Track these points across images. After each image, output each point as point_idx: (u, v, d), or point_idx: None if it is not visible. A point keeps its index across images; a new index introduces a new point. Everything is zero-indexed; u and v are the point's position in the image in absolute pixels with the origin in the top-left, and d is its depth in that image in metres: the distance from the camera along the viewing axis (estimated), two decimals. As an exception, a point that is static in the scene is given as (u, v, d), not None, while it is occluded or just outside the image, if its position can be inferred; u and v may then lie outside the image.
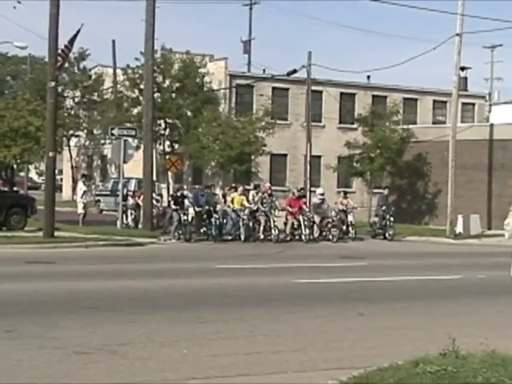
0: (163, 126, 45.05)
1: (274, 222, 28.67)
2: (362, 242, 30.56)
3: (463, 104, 49.53)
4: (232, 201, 29.20)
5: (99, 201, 46.14)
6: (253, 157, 40.56)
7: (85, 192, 31.54)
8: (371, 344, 10.44)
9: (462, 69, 42.50)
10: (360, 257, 23.80)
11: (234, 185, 31.19)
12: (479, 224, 35.29)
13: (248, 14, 60.85)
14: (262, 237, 28.82)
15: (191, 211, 29.26)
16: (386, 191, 33.65)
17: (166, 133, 45.34)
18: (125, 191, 31.68)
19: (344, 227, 30.93)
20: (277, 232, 28.50)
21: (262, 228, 28.95)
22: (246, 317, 12.17)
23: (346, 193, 32.86)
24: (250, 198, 30.20)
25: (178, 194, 28.63)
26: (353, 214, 31.18)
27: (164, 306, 13.12)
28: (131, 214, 31.29)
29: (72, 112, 57.06)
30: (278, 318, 12.27)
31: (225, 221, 29.19)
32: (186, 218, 28.00)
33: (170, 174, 44.91)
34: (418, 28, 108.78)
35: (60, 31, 24.87)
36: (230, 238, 28.72)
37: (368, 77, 48.81)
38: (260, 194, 29.74)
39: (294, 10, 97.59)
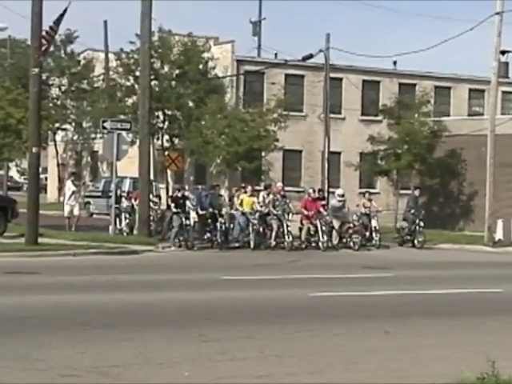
0: (161, 118, 45.17)
1: (287, 227, 28.69)
2: (387, 250, 30.55)
3: (503, 93, 49.45)
4: (241, 203, 29.22)
5: (89, 203, 46.28)
6: (263, 153, 40.60)
7: (74, 192, 31.65)
8: (397, 365, 10.45)
9: (503, 53, 42.39)
10: (385, 267, 23.80)
11: (243, 185, 31.26)
12: (522, 230, 35.18)
13: (258, -9, 60.73)
14: (273, 244, 28.85)
15: (193, 215, 29.28)
16: (416, 192, 33.56)
17: (165, 126, 45.45)
18: (118, 192, 31.75)
19: (367, 233, 30.93)
20: (291, 239, 28.53)
21: (273, 234, 28.98)
22: (255, 335, 12.20)
23: (369, 194, 32.85)
24: (260, 199, 30.19)
25: (179, 194, 28.71)
26: (377, 218, 31.18)
27: (163, 322, 13.17)
28: (125, 217, 31.37)
29: (58, 102, 57.20)
30: (292, 336, 12.29)
31: (232, 226, 29.23)
32: (187, 222, 28.06)
33: (169, 172, 44.99)
34: (452, 6, 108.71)
35: (44, 10, 24.94)
36: (237, 245, 28.77)
37: (394, 62, 48.79)
38: (272, 196, 29.75)
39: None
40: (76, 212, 31.52)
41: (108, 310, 14.26)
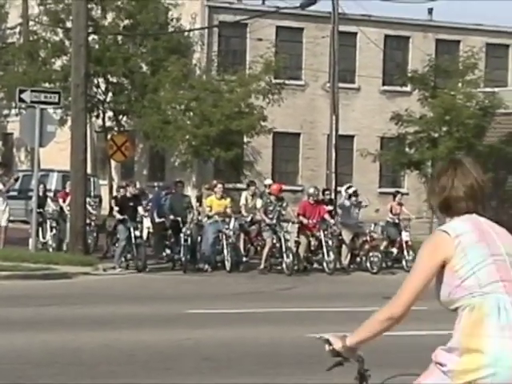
0: (103, 87, 45.05)
1: (286, 241, 28.54)
2: (419, 273, 30.54)
3: None
4: (210, 208, 29.20)
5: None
6: (245, 138, 40.58)
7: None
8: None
9: None
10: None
11: (214, 182, 31.29)
12: None
13: None
14: (263, 266, 28.70)
15: (147, 224, 29.23)
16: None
17: (108, 99, 45.35)
18: (41, 191, 31.66)
19: (394, 249, 30.71)
20: (291, 258, 28.33)
21: (265, 252, 28.85)
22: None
23: (401, 195, 32.66)
24: (242, 202, 30.18)
25: (127, 194, 28.61)
26: (409, 229, 30.91)
27: (105, 373, 13.11)
28: (51, 227, 31.31)
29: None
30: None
31: (200, 239, 29.21)
32: (138, 233, 28.01)
33: (113, 164, 44.92)
34: None
35: None
36: (207, 267, 28.72)
37: (430, 10, 48.94)
38: (265, 199, 29.66)
39: None
40: (4, 223, 30.51)
41: (25, 355, 14.17)
